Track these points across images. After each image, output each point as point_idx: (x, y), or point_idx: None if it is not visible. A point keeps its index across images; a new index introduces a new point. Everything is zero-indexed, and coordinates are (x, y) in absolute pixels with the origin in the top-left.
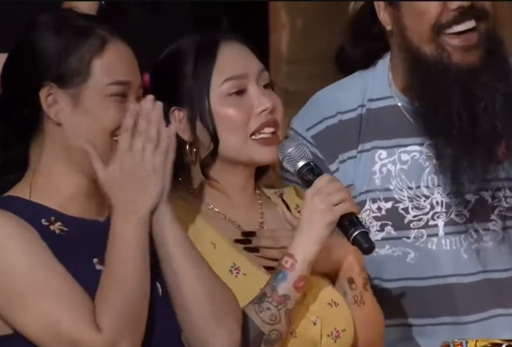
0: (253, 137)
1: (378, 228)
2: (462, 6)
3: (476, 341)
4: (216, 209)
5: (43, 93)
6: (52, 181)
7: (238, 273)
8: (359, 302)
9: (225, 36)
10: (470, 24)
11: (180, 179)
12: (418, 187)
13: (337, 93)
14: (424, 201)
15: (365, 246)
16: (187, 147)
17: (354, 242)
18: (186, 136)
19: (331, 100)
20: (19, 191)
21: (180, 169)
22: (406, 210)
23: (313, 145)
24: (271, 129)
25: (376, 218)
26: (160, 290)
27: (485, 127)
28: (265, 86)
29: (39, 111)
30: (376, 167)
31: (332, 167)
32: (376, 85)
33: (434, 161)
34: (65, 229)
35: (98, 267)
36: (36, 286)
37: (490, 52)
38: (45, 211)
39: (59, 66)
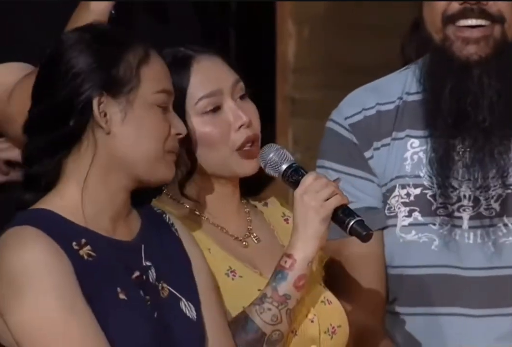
0: (237, 151)
1: (406, 214)
2: (467, 0)
3: None
4: (205, 216)
5: (96, 102)
6: (88, 196)
7: (234, 275)
8: None
9: (197, 51)
10: (475, 22)
11: (165, 190)
12: (448, 177)
13: (379, 86)
14: (451, 192)
15: (363, 233)
16: None
17: (351, 232)
18: None
19: (372, 92)
20: (50, 203)
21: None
22: (434, 197)
23: (350, 131)
24: (251, 143)
25: (405, 204)
26: (195, 313)
27: (470, 120)
28: (242, 97)
29: (87, 121)
30: (408, 154)
31: (367, 154)
32: (415, 79)
33: (466, 155)
34: (93, 254)
35: (121, 296)
36: (58, 329)
37: (495, 53)
38: (75, 231)
39: (109, 75)
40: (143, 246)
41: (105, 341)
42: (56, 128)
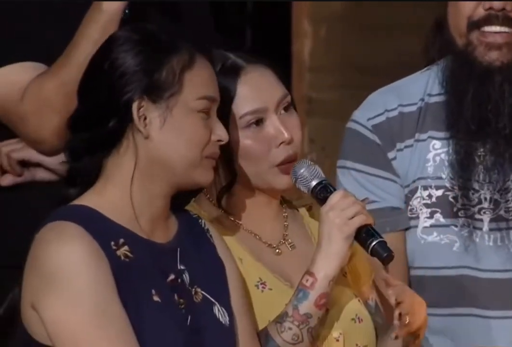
0: (277, 166)
1: (428, 215)
2: (492, 7)
3: None
4: (240, 222)
5: (135, 105)
6: (126, 196)
7: (264, 288)
8: None
9: (246, 61)
10: (499, 29)
11: (204, 191)
12: (469, 179)
13: (401, 87)
14: (472, 194)
15: (384, 255)
16: None
17: (373, 252)
18: None
19: (394, 93)
20: (90, 201)
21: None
22: (455, 198)
23: (373, 132)
24: (291, 163)
25: (426, 205)
26: (227, 318)
27: (491, 127)
28: (286, 108)
29: (127, 123)
30: (430, 156)
31: (390, 155)
32: (437, 81)
33: (487, 158)
34: (130, 255)
35: (155, 298)
36: (93, 328)
37: None
38: (114, 230)
39: (151, 79)
40: (178, 249)
41: (136, 345)
42: (98, 127)
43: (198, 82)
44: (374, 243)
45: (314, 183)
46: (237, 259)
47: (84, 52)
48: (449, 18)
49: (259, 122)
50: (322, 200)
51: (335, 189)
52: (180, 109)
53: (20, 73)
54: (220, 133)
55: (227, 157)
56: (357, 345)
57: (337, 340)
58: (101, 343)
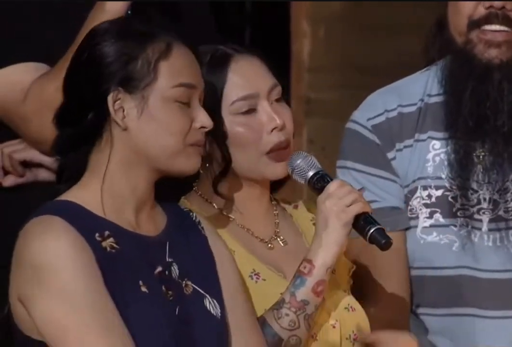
0: (267, 154)
1: (427, 215)
2: (493, 6)
3: None
4: (232, 217)
5: (111, 98)
6: (110, 189)
7: (258, 278)
8: None
9: (236, 51)
10: (499, 27)
11: (195, 188)
12: (467, 179)
13: (400, 87)
14: (471, 194)
15: (382, 241)
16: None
17: (371, 239)
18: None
19: (394, 94)
20: (75, 196)
21: (196, 178)
22: (455, 198)
23: (373, 132)
24: (283, 148)
25: (426, 205)
26: (219, 310)
27: (489, 124)
28: (277, 100)
29: (105, 116)
30: (430, 156)
31: (390, 155)
32: (436, 81)
33: (486, 158)
34: (116, 246)
35: (143, 289)
36: (82, 319)
37: None
38: (99, 223)
39: (126, 70)
40: (167, 242)
41: (127, 335)
42: (79, 121)
43: (175, 70)
44: (372, 230)
45: (311, 173)
46: (230, 251)
47: None
48: (449, 18)
49: (250, 111)
50: (319, 190)
51: (332, 179)
52: (156, 98)
53: (22, 73)
54: (202, 119)
55: (221, 146)
56: (353, 332)
57: (334, 327)
58: (89, 335)
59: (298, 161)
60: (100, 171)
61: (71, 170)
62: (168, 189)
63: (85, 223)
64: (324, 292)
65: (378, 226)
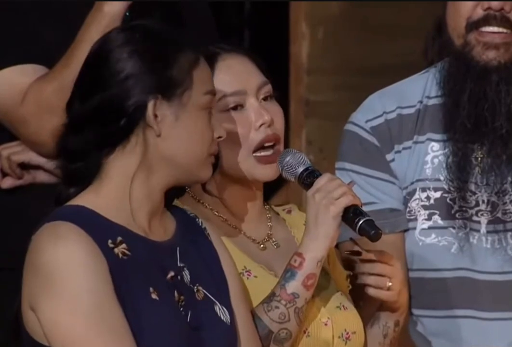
0: (255, 154)
1: (426, 217)
2: (491, 7)
3: None
4: (224, 218)
5: (151, 106)
6: (125, 194)
7: (249, 275)
8: (392, 345)
9: (222, 48)
10: (497, 29)
11: (187, 189)
12: (466, 181)
13: (400, 89)
14: (470, 196)
15: (372, 232)
16: None
17: (361, 231)
18: None
19: (393, 95)
20: (88, 201)
21: None
22: (453, 200)
23: (371, 134)
24: (271, 143)
25: (425, 207)
26: (229, 317)
27: (487, 126)
28: (266, 98)
29: (138, 122)
30: (428, 158)
31: (389, 157)
32: (435, 83)
33: (484, 161)
34: (127, 252)
35: (153, 296)
36: (90, 328)
37: None
38: (112, 229)
39: (163, 77)
40: (178, 248)
41: (134, 345)
42: (105, 127)
43: (204, 78)
44: (361, 221)
45: (300, 169)
46: None
47: (84, 55)
48: (447, 19)
49: (238, 106)
50: (309, 186)
51: (321, 174)
52: (192, 105)
53: (20, 75)
54: (219, 128)
55: None
56: (345, 330)
57: (326, 324)
58: (97, 344)
59: (288, 158)
60: (122, 175)
61: (85, 175)
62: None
63: (98, 229)
64: (314, 285)
65: (367, 218)
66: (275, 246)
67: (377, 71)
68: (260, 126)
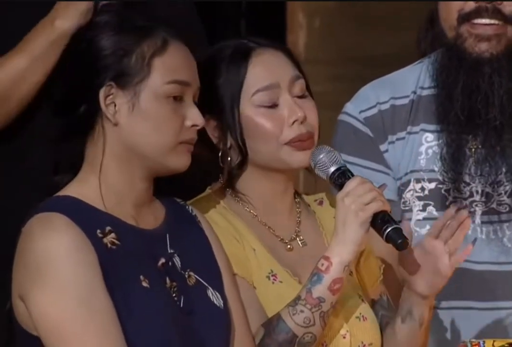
0: (287, 144)
1: (421, 208)
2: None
3: (494, 341)
4: (254, 214)
5: (102, 93)
6: (108, 183)
7: (275, 280)
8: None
9: (258, 43)
10: (489, 21)
11: (221, 181)
12: (460, 172)
13: (394, 79)
14: (464, 187)
15: (399, 241)
16: (220, 155)
17: (388, 239)
18: (219, 144)
19: (386, 86)
20: (76, 191)
21: (221, 173)
22: (448, 191)
23: (365, 124)
24: (303, 142)
25: (419, 198)
26: (221, 301)
27: (481, 118)
28: (302, 97)
29: (96, 110)
30: (422, 149)
31: (382, 147)
32: (428, 74)
33: (478, 152)
34: (117, 242)
35: (144, 284)
36: (77, 318)
37: (507, 52)
38: (100, 218)
39: (120, 65)
40: (167, 235)
41: (122, 338)
42: (71, 112)
43: (169, 67)
44: (389, 229)
45: (332, 169)
46: (250, 249)
47: (18, 66)
48: (440, 11)
49: (273, 106)
50: (340, 186)
51: (353, 175)
52: (148, 95)
53: None
54: (195, 117)
55: (237, 138)
56: (362, 342)
57: (344, 337)
58: (85, 336)
59: (321, 156)
60: (96, 165)
61: (67, 162)
62: (181, 189)
63: (87, 219)
64: (341, 290)
65: (395, 226)
66: (301, 245)
67: (374, 61)
68: (293, 122)
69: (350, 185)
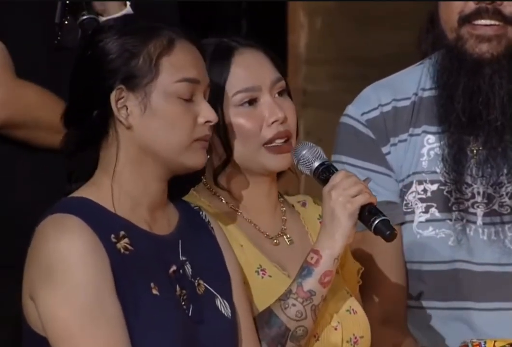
0: (265, 146)
1: (423, 210)
2: (483, 0)
3: (495, 341)
4: (239, 211)
5: (113, 97)
6: (122, 187)
7: (264, 274)
8: None
9: (239, 43)
10: (489, 22)
11: (203, 180)
12: (461, 173)
13: (395, 81)
14: (466, 188)
15: (387, 233)
16: None
17: (376, 230)
18: None
19: (388, 88)
20: (90, 193)
21: (205, 171)
22: (450, 193)
23: (367, 127)
24: (283, 140)
25: (422, 200)
26: (229, 310)
27: (482, 119)
28: (280, 93)
29: (109, 114)
30: (424, 150)
31: (384, 149)
32: (429, 75)
33: (479, 153)
34: (130, 247)
35: (154, 292)
36: (85, 321)
37: (508, 53)
38: (115, 222)
39: (128, 67)
40: (180, 241)
41: (128, 344)
42: (83, 120)
43: (177, 65)
44: (377, 221)
45: (316, 164)
46: (238, 245)
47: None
48: (440, 13)
49: (252, 101)
50: (324, 181)
51: (337, 170)
52: (158, 94)
53: None
54: (207, 114)
55: (222, 137)
56: (354, 335)
57: (336, 329)
58: (91, 339)
59: (304, 152)
60: (109, 169)
61: (82, 170)
62: (176, 183)
63: (101, 222)
64: (331, 283)
65: (383, 217)
66: (288, 243)
67: (375, 61)
68: (273, 122)
69: (335, 178)
